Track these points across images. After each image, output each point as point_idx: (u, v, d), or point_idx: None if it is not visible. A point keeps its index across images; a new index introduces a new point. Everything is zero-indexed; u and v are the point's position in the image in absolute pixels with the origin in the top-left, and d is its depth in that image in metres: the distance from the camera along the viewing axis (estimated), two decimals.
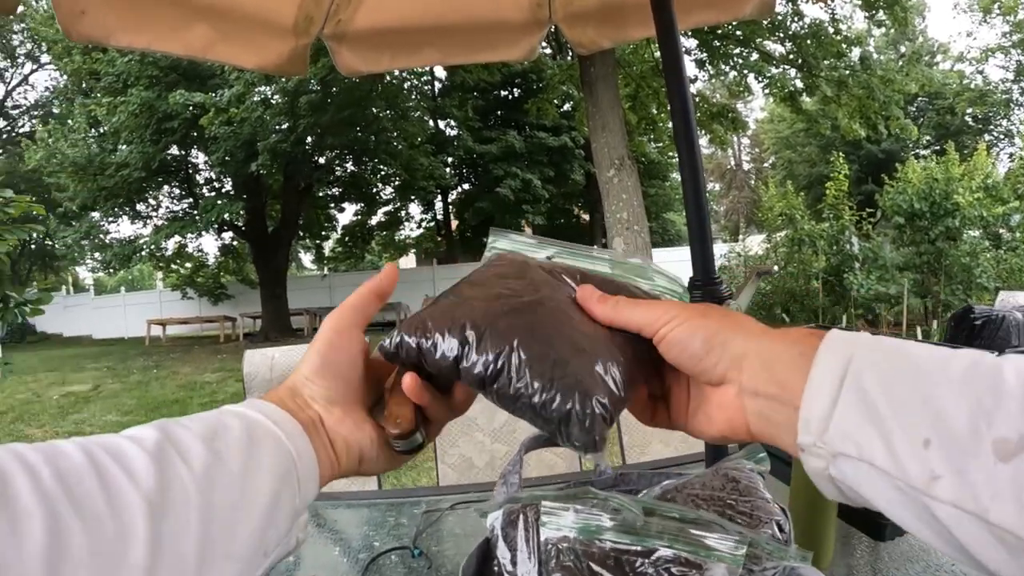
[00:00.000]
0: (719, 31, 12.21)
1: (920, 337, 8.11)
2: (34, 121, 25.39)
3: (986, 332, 1.41)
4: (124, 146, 14.78)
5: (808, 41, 11.79)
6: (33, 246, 28.56)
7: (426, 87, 21.35)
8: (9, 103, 29.51)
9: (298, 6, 1.92)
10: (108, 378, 11.80)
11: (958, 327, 1.50)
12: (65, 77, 17.52)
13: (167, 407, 9.00)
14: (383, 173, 19.76)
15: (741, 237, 13.31)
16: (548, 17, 2.27)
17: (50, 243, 24.75)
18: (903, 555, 1.16)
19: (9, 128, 29.47)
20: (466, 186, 24.11)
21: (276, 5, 1.90)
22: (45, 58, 26.19)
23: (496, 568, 0.66)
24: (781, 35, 12.11)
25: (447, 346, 0.55)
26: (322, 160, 17.98)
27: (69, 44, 14.97)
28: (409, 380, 0.59)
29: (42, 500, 0.37)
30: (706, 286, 1.22)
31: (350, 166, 19.38)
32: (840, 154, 11.28)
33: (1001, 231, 10.10)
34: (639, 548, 0.55)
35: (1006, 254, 9.72)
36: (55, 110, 23.90)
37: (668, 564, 0.55)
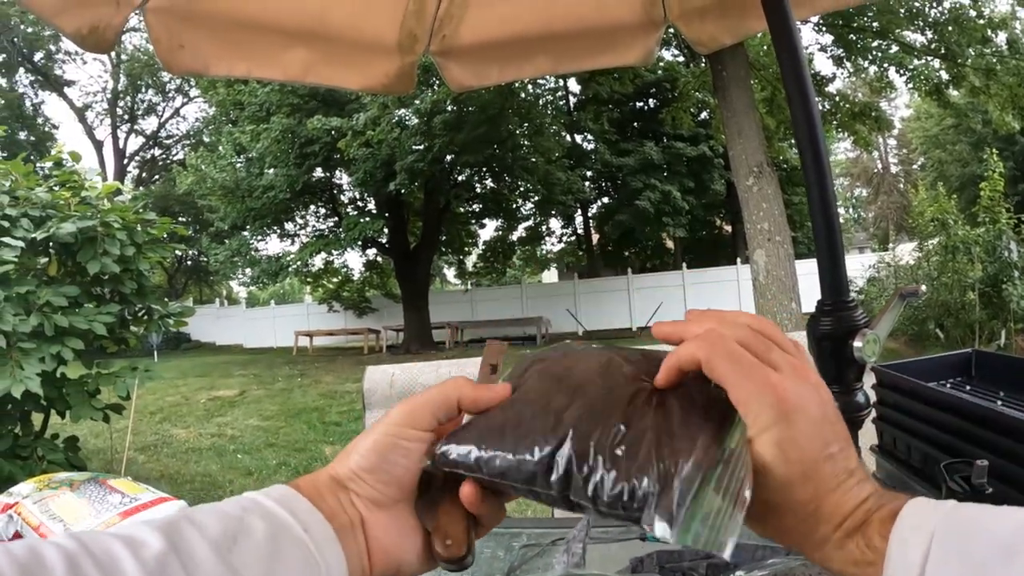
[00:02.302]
0: (854, 24, 11.59)
1: None
2: (186, 149, 27.56)
3: None
4: (270, 170, 15.72)
5: (949, 28, 11.10)
6: (189, 262, 30.98)
7: (560, 102, 21.49)
8: (163, 133, 32.31)
9: (400, 25, 1.90)
10: (254, 385, 12.48)
11: None
12: (213, 108, 18.79)
13: (306, 414, 9.39)
14: (522, 189, 19.99)
15: (891, 245, 12.56)
16: (663, 16, 2.14)
17: (204, 259, 26.71)
18: None
19: (164, 156, 32.31)
20: (605, 199, 24.11)
21: (377, 25, 1.89)
22: (194, 92, 28.43)
23: None
24: (920, 23, 11.44)
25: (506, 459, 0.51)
26: (461, 178, 18.40)
27: (214, 79, 16.12)
28: (469, 491, 0.53)
29: None
30: (837, 311, 1.06)
31: (489, 183, 19.75)
32: (993, 151, 10.44)
33: None
34: None
35: None
36: (206, 138, 25.83)
37: None
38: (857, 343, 1.01)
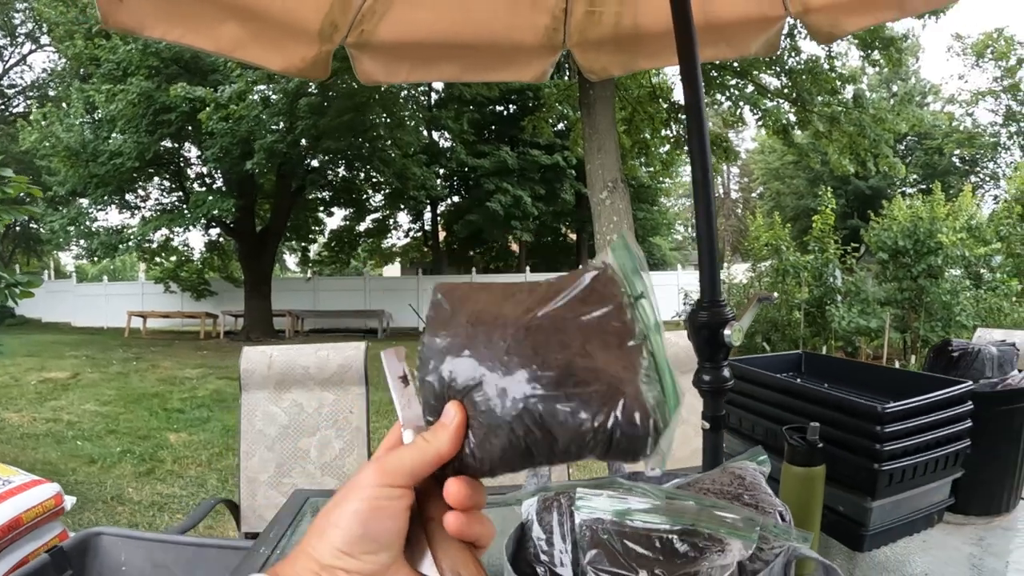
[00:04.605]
0: (717, 62, 12.34)
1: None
2: (29, 102, 25.14)
3: (962, 364, 1.52)
4: (119, 135, 14.69)
5: (803, 76, 11.96)
6: (18, 228, 28.25)
7: (422, 97, 21.39)
8: (5, 82, 29.11)
9: (324, 13, 1.97)
10: (87, 367, 11.70)
11: (936, 358, 1.60)
12: (64, 60, 17.35)
13: (147, 400, 8.95)
14: (375, 180, 19.84)
15: (726, 265, 13.34)
16: (562, 42, 2.35)
17: (34, 226, 24.51)
18: (879, 565, 1.24)
19: (3, 107, 29.13)
20: (456, 198, 24.26)
21: (303, 10, 1.95)
22: (45, 39, 25.90)
23: (532, 549, 0.73)
24: (777, 69, 12.26)
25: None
26: (316, 163, 17.99)
27: (72, 27, 14.88)
28: (454, 521, 0.51)
29: None
30: (712, 307, 1.31)
31: (342, 171, 19.45)
32: (828, 188, 11.31)
33: (982, 271, 10.21)
34: (667, 526, 0.62)
35: (986, 293, 9.81)
36: (51, 92, 23.71)
37: (694, 539, 0.61)
38: (727, 331, 1.27)
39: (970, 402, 1.35)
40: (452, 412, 0.51)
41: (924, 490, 1.33)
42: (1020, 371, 1.52)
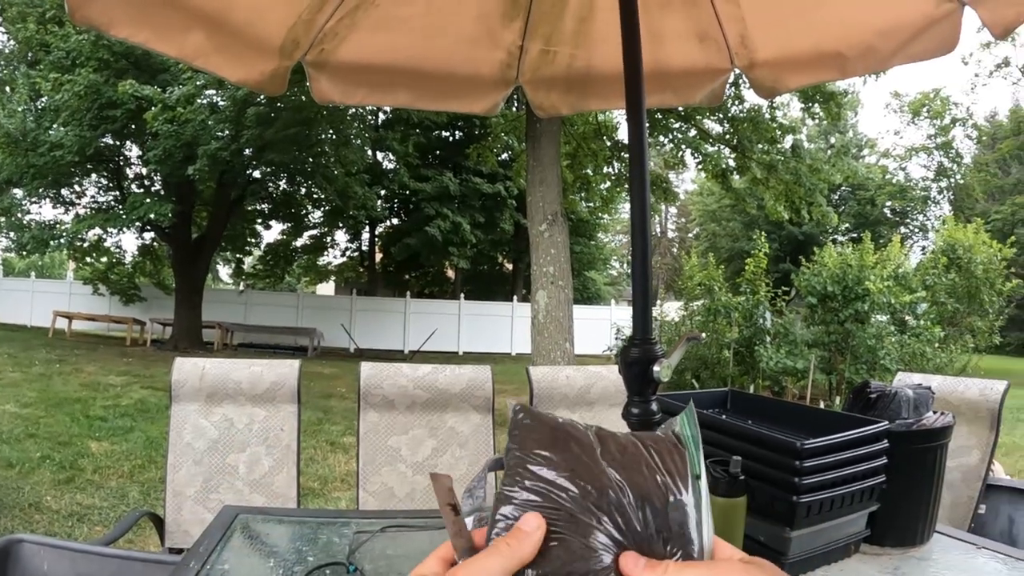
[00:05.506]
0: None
1: None
2: None
3: (880, 405, 1.61)
4: (62, 126, 14.18)
5: (745, 124, 12.21)
6: None
7: (370, 117, 21.30)
8: None
9: (288, 28, 1.99)
10: (9, 366, 11.24)
11: (855, 399, 1.69)
12: (13, 42, 16.74)
13: (69, 404, 8.62)
14: (316, 196, 19.65)
15: (659, 302, 13.52)
16: (515, 78, 2.42)
17: None
18: None
19: None
20: (395, 221, 24.30)
21: (269, 26, 1.96)
22: None
23: None
24: (720, 116, 12.50)
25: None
26: (257, 174, 17.72)
27: (25, 9, 14.37)
28: None
29: None
30: (644, 344, 1.38)
31: (284, 184, 19.20)
32: (762, 232, 11.70)
33: (907, 318, 10.59)
34: None
35: (909, 339, 10.21)
36: None
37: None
38: (656, 368, 1.35)
39: (885, 440, 1.45)
40: (535, 522, 0.52)
41: (841, 522, 1.41)
42: (935, 413, 1.63)
